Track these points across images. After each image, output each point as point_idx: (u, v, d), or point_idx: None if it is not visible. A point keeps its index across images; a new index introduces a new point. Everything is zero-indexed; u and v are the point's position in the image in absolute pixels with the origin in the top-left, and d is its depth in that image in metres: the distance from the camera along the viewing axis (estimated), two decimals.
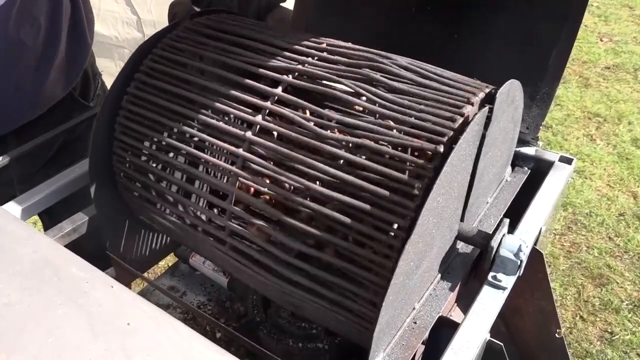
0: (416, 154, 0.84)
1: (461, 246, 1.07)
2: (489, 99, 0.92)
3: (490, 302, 0.95)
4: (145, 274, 1.73)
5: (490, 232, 1.00)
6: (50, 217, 1.45)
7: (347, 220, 0.84)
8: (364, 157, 0.87)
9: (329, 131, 0.90)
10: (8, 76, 1.38)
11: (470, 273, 1.06)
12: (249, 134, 0.94)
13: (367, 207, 0.83)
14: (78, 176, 1.24)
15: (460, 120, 0.84)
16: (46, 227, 1.54)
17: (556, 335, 1.29)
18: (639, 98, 3.91)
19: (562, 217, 2.92)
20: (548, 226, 1.17)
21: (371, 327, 0.80)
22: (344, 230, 0.86)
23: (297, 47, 1.01)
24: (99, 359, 0.68)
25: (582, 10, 1.18)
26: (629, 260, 2.69)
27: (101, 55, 3.01)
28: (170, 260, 1.69)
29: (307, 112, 0.96)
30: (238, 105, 0.98)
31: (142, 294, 1.46)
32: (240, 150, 0.94)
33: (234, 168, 0.94)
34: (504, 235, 0.99)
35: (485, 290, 0.97)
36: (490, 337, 0.92)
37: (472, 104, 0.87)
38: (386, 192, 0.82)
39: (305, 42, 1.02)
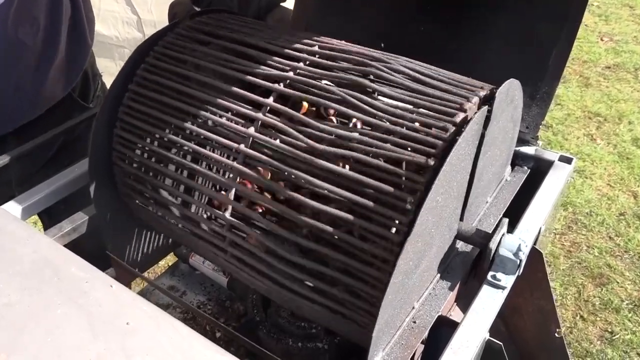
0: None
1: (461, 245, 1.07)
2: (488, 99, 0.92)
3: (489, 301, 0.95)
4: (145, 274, 1.74)
5: (490, 232, 1.00)
6: (49, 217, 1.45)
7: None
8: (352, 172, 0.86)
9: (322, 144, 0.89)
10: (8, 76, 1.38)
11: (469, 272, 1.06)
12: (242, 146, 0.94)
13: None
14: (78, 176, 1.24)
15: (459, 120, 0.84)
16: (46, 227, 1.54)
17: (556, 334, 1.29)
18: (639, 97, 3.91)
19: (563, 217, 2.92)
20: (548, 225, 1.17)
21: (370, 327, 0.80)
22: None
23: (289, 51, 1.00)
24: (98, 358, 0.68)
25: (582, 9, 1.18)
26: (629, 259, 2.69)
27: (101, 55, 3.01)
28: (170, 259, 1.69)
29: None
30: (231, 117, 0.98)
31: (142, 293, 1.46)
32: (235, 164, 0.95)
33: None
34: (503, 234, 0.99)
35: (485, 289, 0.97)
36: (490, 336, 0.92)
37: (470, 104, 0.87)
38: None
39: (298, 46, 1.01)
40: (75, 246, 1.13)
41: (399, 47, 1.04)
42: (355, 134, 0.88)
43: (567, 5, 1.17)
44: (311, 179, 0.88)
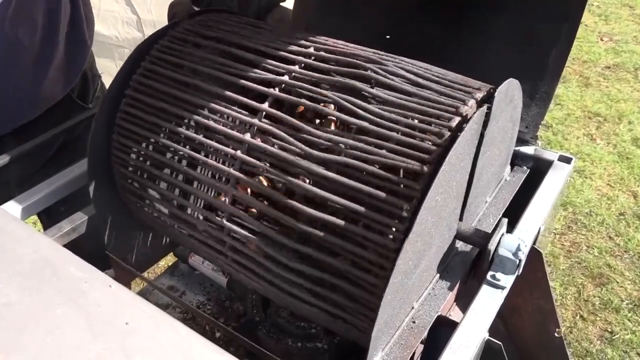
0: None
1: (460, 245, 1.07)
2: (488, 98, 0.92)
3: (489, 301, 0.95)
4: (145, 274, 1.74)
5: (489, 232, 1.00)
6: (48, 217, 1.45)
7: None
8: (348, 180, 0.86)
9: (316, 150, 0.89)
10: (6, 76, 1.38)
11: (469, 272, 1.06)
12: (239, 152, 0.94)
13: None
14: (77, 176, 1.24)
15: (454, 124, 0.84)
16: (45, 227, 1.54)
17: (555, 334, 1.29)
18: (639, 97, 3.91)
19: (562, 217, 2.92)
20: (547, 225, 1.17)
21: (370, 327, 0.80)
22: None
23: (284, 54, 1.00)
24: (98, 358, 0.68)
25: (582, 9, 1.18)
26: (629, 259, 2.69)
27: (101, 55, 3.01)
28: (170, 259, 1.69)
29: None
30: (227, 122, 0.98)
31: (142, 293, 1.46)
32: (231, 170, 0.95)
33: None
34: (502, 234, 0.99)
35: (484, 289, 0.97)
36: (489, 336, 0.93)
37: (467, 107, 0.86)
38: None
39: (294, 48, 1.01)
40: (74, 246, 1.13)
41: (399, 47, 1.04)
42: (351, 140, 0.87)
43: (567, 5, 1.17)
44: (306, 185, 0.88)
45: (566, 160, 1.26)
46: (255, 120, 0.94)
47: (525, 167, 1.29)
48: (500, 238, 0.98)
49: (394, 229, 0.81)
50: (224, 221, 0.95)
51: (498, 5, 1.26)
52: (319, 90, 0.94)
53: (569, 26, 1.19)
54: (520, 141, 1.28)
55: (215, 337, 1.35)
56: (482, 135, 0.93)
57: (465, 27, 1.31)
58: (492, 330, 0.93)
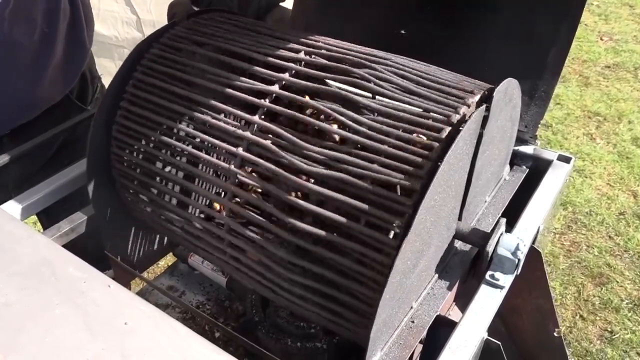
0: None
1: (459, 245, 1.07)
2: (487, 98, 0.92)
3: (487, 301, 0.95)
4: (145, 274, 1.74)
5: (489, 231, 1.00)
6: (47, 217, 1.46)
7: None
8: (339, 195, 0.85)
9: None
10: (5, 76, 1.38)
11: (468, 272, 1.06)
12: (232, 166, 0.94)
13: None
14: (77, 176, 1.25)
15: (444, 135, 0.83)
16: (45, 227, 1.54)
17: (555, 334, 1.29)
18: (639, 97, 3.91)
19: (562, 216, 2.92)
20: (547, 225, 1.17)
21: (368, 326, 0.80)
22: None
23: (275, 60, 0.99)
24: (96, 358, 0.68)
25: (581, 8, 1.17)
26: (629, 259, 2.69)
27: (101, 55, 3.01)
28: (170, 259, 1.69)
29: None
30: (220, 135, 0.98)
31: (141, 293, 1.46)
32: (227, 184, 0.95)
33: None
34: (501, 234, 0.99)
35: (483, 289, 0.97)
36: (488, 336, 0.93)
37: (458, 116, 0.85)
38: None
39: (285, 54, 1.00)
40: (73, 246, 1.13)
41: (399, 47, 1.04)
42: (342, 155, 0.86)
43: (567, 4, 1.17)
44: (299, 201, 0.88)
45: (565, 159, 1.26)
46: (248, 134, 0.94)
47: (524, 167, 1.29)
48: (499, 238, 0.99)
49: (386, 245, 0.81)
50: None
51: (497, 4, 1.26)
52: (307, 101, 0.93)
53: (569, 25, 1.19)
54: (520, 141, 1.28)
55: (214, 337, 1.35)
56: (481, 135, 0.93)
57: (465, 26, 1.31)
58: (492, 330, 0.93)
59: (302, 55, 1.00)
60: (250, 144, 0.93)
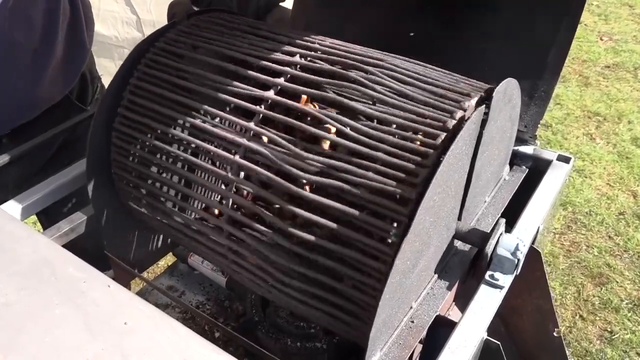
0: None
1: (459, 245, 1.07)
2: (486, 98, 0.92)
3: (487, 301, 0.95)
4: (145, 274, 1.74)
5: (488, 231, 1.00)
6: (47, 217, 1.46)
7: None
8: (334, 203, 0.86)
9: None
10: (5, 76, 1.38)
11: (468, 272, 1.06)
12: (229, 174, 0.94)
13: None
14: (76, 176, 1.25)
15: (439, 142, 0.83)
16: (44, 227, 1.54)
17: (554, 334, 1.29)
18: (639, 97, 3.91)
19: (562, 216, 2.92)
20: (546, 225, 1.17)
21: (368, 326, 0.80)
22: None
23: (270, 64, 0.98)
24: (96, 358, 0.68)
25: (581, 8, 1.18)
26: (628, 259, 2.69)
27: (101, 55, 3.01)
28: (169, 259, 1.69)
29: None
30: (215, 140, 0.98)
31: (141, 293, 1.46)
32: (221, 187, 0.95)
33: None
34: (501, 234, 0.99)
35: (483, 289, 0.97)
36: (488, 336, 0.93)
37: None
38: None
39: (280, 57, 0.99)
40: (73, 246, 1.13)
41: (399, 47, 1.04)
42: (338, 163, 0.86)
43: (566, 4, 1.17)
44: (294, 209, 0.88)
45: (565, 159, 1.26)
46: (244, 140, 0.94)
47: (524, 167, 1.29)
48: (499, 238, 0.99)
49: (382, 252, 0.81)
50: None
51: (497, 4, 1.26)
52: (303, 108, 0.93)
53: (568, 25, 1.19)
54: (519, 140, 1.28)
55: (214, 337, 1.35)
56: (480, 135, 0.93)
57: (465, 26, 1.31)
58: (492, 330, 0.93)
59: (297, 58, 0.99)
60: (247, 150, 0.93)
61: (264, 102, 0.95)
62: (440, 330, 0.95)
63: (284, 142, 0.91)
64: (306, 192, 0.87)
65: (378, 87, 0.91)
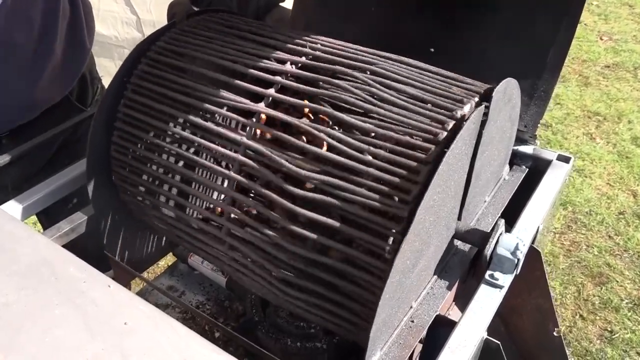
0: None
1: (459, 245, 1.07)
2: (486, 98, 0.92)
3: (487, 300, 0.95)
4: (145, 274, 1.74)
5: (488, 231, 1.00)
6: (47, 217, 1.45)
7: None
8: (327, 219, 0.86)
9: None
10: (5, 76, 1.38)
11: (468, 272, 1.06)
12: (238, 155, 0.94)
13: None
14: (77, 176, 1.25)
15: (431, 158, 0.83)
16: (45, 227, 1.54)
17: (554, 333, 1.29)
18: (639, 96, 3.91)
19: (562, 216, 2.92)
20: (546, 224, 1.17)
21: (368, 326, 0.80)
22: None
23: (263, 74, 0.98)
24: (96, 358, 0.68)
25: (581, 7, 1.17)
26: (628, 258, 2.69)
27: (101, 55, 3.01)
28: (169, 259, 1.69)
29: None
30: (211, 153, 0.98)
31: (141, 293, 1.46)
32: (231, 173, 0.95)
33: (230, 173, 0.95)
34: (501, 233, 0.99)
35: (483, 288, 0.97)
36: (488, 335, 0.93)
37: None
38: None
39: (272, 66, 0.99)
40: (73, 246, 1.14)
41: (399, 47, 1.04)
42: (331, 179, 0.86)
43: (566, 4, 1.17)
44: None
45: (565, 159, 1.26)
46: (239, 156, 0.94)
47: (524, 167, 1.29)
48: (499, 237, 0.99)
49: (375, 268, 0.81)
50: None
51: (497, 4, 1.26)
52: (295, 122, 0.92)
53: (568, 25, 1.19)
54: (519, 140, 1.28)
55: (214, 337, 1.35)
56: (480, 135, 0.93)
57: (465, 26, 1.31)
58: (492, 330, 0.93)
59: (288, 66, 0.98)
60: (241, 165, 0.94)
61: (256, 114, 0.95)
62: (440, 330, 0.95)
63: (275, 157, 0.91)
64: (297, 209, 0.88)
65: (369, 98, 0.91)
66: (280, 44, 1.03)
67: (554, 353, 1.37)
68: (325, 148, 0.93)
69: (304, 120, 0.94)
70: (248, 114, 0.96)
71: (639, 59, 4.34)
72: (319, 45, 1.02)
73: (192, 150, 1.02)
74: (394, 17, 1.39)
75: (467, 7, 1.29)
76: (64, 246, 1.00)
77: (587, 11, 4.94)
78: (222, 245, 0.99)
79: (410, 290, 0.91)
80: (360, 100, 0.91)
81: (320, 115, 1.03)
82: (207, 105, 0.99)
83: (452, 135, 0.82)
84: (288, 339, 1.14)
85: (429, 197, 0.78)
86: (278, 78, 0.97)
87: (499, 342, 0.93)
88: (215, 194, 1.23)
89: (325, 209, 0.87)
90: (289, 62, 0.99)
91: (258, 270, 0.95)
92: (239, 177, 0.94)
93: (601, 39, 4.66)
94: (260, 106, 0.95)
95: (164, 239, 1.34)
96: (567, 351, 1.39)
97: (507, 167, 1.25)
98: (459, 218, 1.02)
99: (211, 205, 1.05)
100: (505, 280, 0.97)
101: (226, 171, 0.95)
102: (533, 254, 1.12)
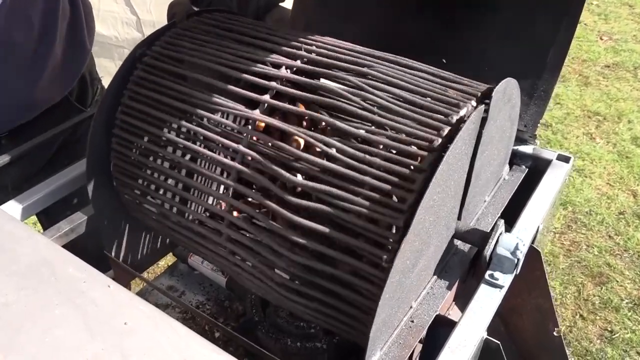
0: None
1: (459, 244, 1.07)
2: (485, 98, 0.92)
3: (487, 300, 0.95)
4: (145, 274, 1.74)
5: (488, 231, 1.00)
6: (47, 217, 1.45)
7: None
8: (323, 227, 0.86)
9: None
10: (4, 76, 1.38)
11: (467, 271, 1.06)
12: (228, 181, 0.94)
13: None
14: (76, 176, 1.25)
15: (426, 166, 0.82)
16: (44, 227, 1.54)
17: (554, 333, 1.29)
18: (639, 96, 3.91)
19: (562, 216, 2.92)
20: (546, 224, 1.17)
21: (368, 326, 0.80)
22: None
23: (258, 79, 0.97)
24: (96, 358, 0.68)
25: (580, 7, 1.17)
26: (628, 258, 2.69)
27: (101, 55, 3.02)
28: (169, 259, 1.69)
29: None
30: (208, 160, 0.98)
31: (141, 293, 1.46)
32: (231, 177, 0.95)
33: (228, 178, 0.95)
34: (501, 233, 0.99)
35: (482, 288, 0.97)
36: (488, 335, 0.93)
37: (441, 139, 0.84)
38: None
39: (267, 70, 0.98)
40: (73, 246, 1.14)
41: (399, 47, 1.04)
42: (326, 187, 0.85)
43: (566, 3, 1.17)
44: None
45: (565, 159, 1.26)
46: (236, 164, 0.94)
47: (523, 166, 1.29)
48: (499, 237, 0.99)
49: (374, 276, 0.81)
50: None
51: (497, 4, 1.26)
52: (291, 130, 0.92)
53: (568, 25, 1.19)
54: (519, 140, 1.28)
55: (214, 337, 1.35)
56: (480, 135, 0.93)
57: (465, 26, 1.31)
58: (492, 330, 0.93)
59: (283, 71, 0.98)
60: (239, 172, 0.94)
61: (251, 122, 0.95)
62: (440, 330, 0.95)
63: (272, 166, 0.91)
64: (295, 217, 0.88)
65: (364, 104, 0.91)
66: (276, 47, 1.02)
67: (554, 353, 1.37)
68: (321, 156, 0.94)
69: (300, 128, 0.93)
70: (245, 119, 0.96)
71: (639, 58, 4.34)
72: (314, 48, 1.02)
73: (189, 157, 1.02)
74: (394, 17, 1.39)
75: (467, 7, 1.29)
76: (64, 246, 1.00)
77: (587, 11, 4.94)
78: (222, 246, 0.99)
79: (410, 290, 0.91)
80: (356, 107, 0.91)
81: (316, 121, 1.02)
82: (203, 112, 0.99)
83: (448, 141, 0.82)
84: (288, 339, 1.14)
85: (428, 197, 0.78)
86: (273, 84, 0.96)
87: (499, 342, 0.93)
88: (214, 200, 1.23)
89: (322, 217, 0.87)
90: (284, 67, 0.98)
91: (257, 273, 0.95)
92: (236, 185, 0.94)
93: (601, 38, 4.66)
94: (256, 113, 0.94)
95: (164, 238, 1.34)
96: (567, 351, 1.39)
97: (507, 167, 1.25)
98: (459, 218, 1.02)
99: (210, 211, 1.05)
100: (505, 280, 0.97)
101: (223, 179, 0.95)
102: (533, 254, 1.12)
